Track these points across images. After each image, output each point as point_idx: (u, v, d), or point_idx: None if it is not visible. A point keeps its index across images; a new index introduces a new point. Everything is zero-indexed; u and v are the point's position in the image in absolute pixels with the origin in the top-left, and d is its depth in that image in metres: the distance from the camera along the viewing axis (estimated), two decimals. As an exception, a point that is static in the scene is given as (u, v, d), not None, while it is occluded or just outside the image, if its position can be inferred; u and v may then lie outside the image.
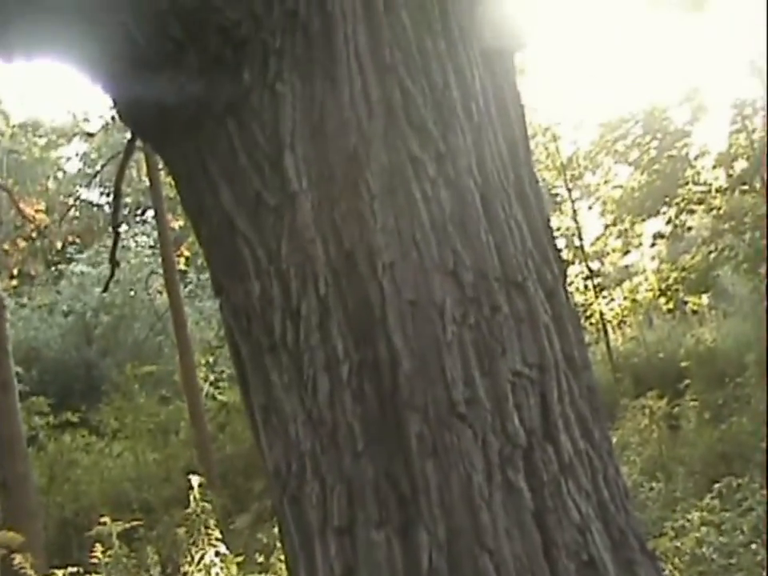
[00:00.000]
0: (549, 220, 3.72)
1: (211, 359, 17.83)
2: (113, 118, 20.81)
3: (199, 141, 3.38)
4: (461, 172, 3.31)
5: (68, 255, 24.79)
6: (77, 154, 32.70)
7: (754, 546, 6.46)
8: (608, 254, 21.08)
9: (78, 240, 24.67)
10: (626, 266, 23.21)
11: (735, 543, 6.61)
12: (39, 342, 21.08)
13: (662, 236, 19.19)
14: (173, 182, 3.76)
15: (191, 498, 10.17)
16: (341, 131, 3.23)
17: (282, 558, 4.25)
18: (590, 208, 21.75)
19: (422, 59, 3.36)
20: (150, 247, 23.24)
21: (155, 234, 19.34)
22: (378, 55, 3.31)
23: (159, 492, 12.85)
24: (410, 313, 3.11)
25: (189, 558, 9.26)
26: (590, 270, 19.98)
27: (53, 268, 25.25)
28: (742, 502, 7.70)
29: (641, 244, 21.07)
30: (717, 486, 8.29)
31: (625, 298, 19.79)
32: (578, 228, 20.77)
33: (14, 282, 21.02)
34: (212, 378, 17.24)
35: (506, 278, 3.29)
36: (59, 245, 23.65)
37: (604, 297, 20.05)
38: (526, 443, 3.12)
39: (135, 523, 10.42)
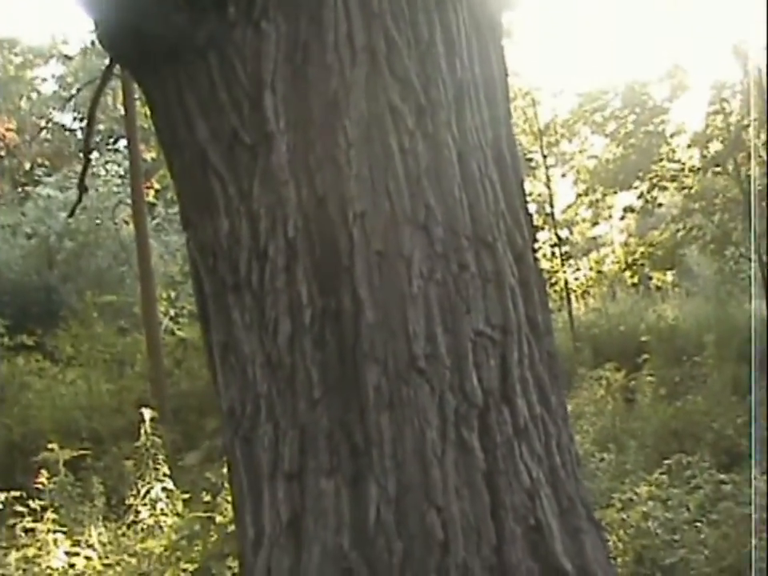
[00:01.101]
0: (523, 183, 3.71)
1: (173, 294, 17.71)
2: (92, 42, 20.51)
3: (179, 72, 3.33)
4: (439, 126, 3.28)
5: (36, 177, 24.48)
6: (53, 76, 32.23)
7: (698, 525, 6.56)
8: (577, 223, 21.17)
9: (47, 163, 24.40)
10: (594, 237, 23.32)
11: (680, 520, 6.70)
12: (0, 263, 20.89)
13: (632, 210, 19.26)
14: (148, 112, 3.70)
15: (142, 431, 10.15)
16: (322, 75, 3.19)
17: (229, 498, 4.25)
18: (563, 176, 21.79)
19: (410, 11, 3.31)
20: (120, 177, 22.97)
21: (126, 163, 19.13)
22: (366, 2, 3.26)
23: (110, 423, 12.80)
24: (378, 263, 3.10)
25: (135, 492, 9.26)
26: (559, 238, 20.06)
27: (19, 189, 24.95)
28: (691, 479, 7.80)
29: (611, 216, 21.17)
30: (667, 461, 8.38)
31: (590, 269, 19.92)
32: (550, 195, 20.81)
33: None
34: (172, 312, 17.15)
35: (476, 237, 3.28)
36: (28, 166, 23.39)
37: (570, 265, 20.16)
38: (482, 403, 3.14)
39: (83, 452, 10.39)
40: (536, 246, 3.69)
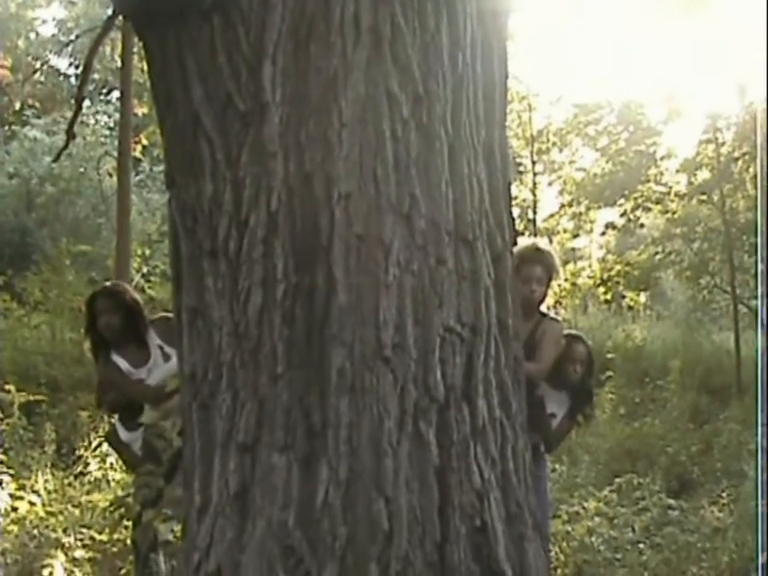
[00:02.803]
0: (510, 186, 3.71)
1: (148, 252, 17.62)
2: (98, -11, 20.36)
3: (181, 31, 3.30)
4: (434, 119, 3.28)
5: (24, 118, 24.25)
6: (54, 19, 31.91)
7: (641, 546, 6.60)
8: (558, 233, 21.19)
9: (37, 105, 24.17)
10: (573, 249, 23.38)
11: (624, 539, 6.74)
12: (-23, 198, 20.74)
13: (614, 227, 19.30)
14: (146, 68, 3.67)
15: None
16: (324, 53, 3.17)
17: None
18: (550, 184, 21.81)
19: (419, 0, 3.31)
20: (109, 129, 22.78)
21: (116, 116, 19.02)
22: (376, -15, 3.25)
23: (70, 372, 12.71)
24: (356, 247, 3.09)
25: (86, 443, 9.23)
26: (538, 245, 20.11)
27: (6, 127, 24.73)
28: (639, 501, 7.84)
29: (592, 230, 21.21)
30: (618, 480, 8.43)
31: (566, 280, 19.93)
32: (535, 201, 20.84)
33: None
34: (145, 270, 17.07)
35: (457, 233, 3.28)
36: (17, 105, 23.18)
37: (545, 274, 20.23)
38: (443, 399, 3.15)
39: (39, 398, 10.33)
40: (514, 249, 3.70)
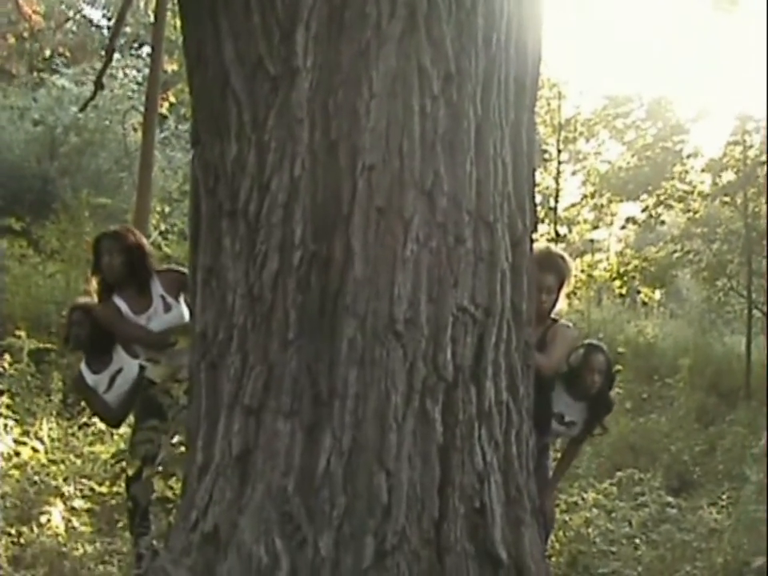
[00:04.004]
0: (534, 171, 3.69)
1: (167, 209, 17.60)
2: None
3: (217, -13, 3.30)
4: (464, 97, 3.25)
5: (53, 66, 24.20)
6: (89, -32, 31.88)
7: (637, 541, 6.58)
8: (578, 223, 21.07)
9: (67, 54, 24.10)
10: (592, 240, 23.27)
11: (620, 533, 6.71)
12: (2, 142, 20.68)
13: (634, 221, 19.17)
14: (178, 24, 3.66)
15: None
16: (359, 23, 3.15)
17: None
18: (573, 173, 21.68)
19: None
20: (137, 83, 22.71)
21: (146, 71, 18.95)
22: (415, -43, 3.22)
23: (81, 323, 12.73)
24: (376, 220, 3.08)
25: (92, 395, 9.25)
26: (557, 234, 19.98)
27: (35, 73, 24.69)
28: (639, 496, 7.81)
29: (612, 223, 21.09)
30: (619, 474, 8.41)
31: (582, 271, 19.82)
32: (557, 190, 20.72)
33: (-8, 75, 20.63)
34: (163, 227, 17.04)
35: (478, 214, 3.26)
36: (48, 53, 23.11)
37: (562, 263, 20.16)
38: (451, 378, 3.14)
39: (49, 346, 10.34)
40: (535, 236, 3.68)
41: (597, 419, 5.00)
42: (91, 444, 8.10)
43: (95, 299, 5.49)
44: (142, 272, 5.30)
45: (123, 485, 5.47)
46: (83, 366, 5.50)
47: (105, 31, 28.27)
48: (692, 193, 18.22)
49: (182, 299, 5.25)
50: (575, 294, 18.96)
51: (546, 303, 4.67)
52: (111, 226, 5.87)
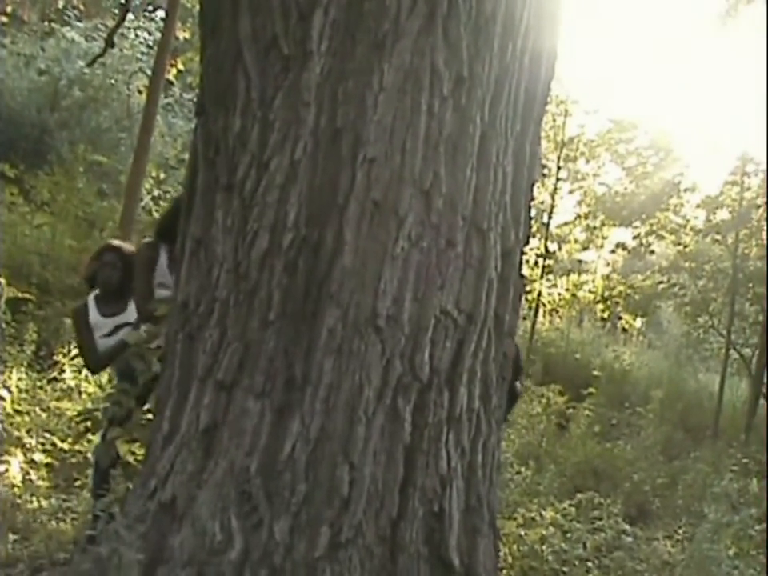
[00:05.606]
0: (534, 184, 3.69)
1: (162, 175, 17.51)
2: None
3: (239, -40, 3.28)
4: (473, 102, 3.26)
5: (65, 17, 24.06)
6: (110, -76, 31.70)
7: (589, 564, 6.59)
8: (569, 242, 21.12)
9: (81, 7, 23.97)
10: (580, 261, 23.33)
11: (573, 554, 6.71)
12: (4, 87, 20.56)
13: (624, 247, 19.23)
14: (198, -9, 3.64)
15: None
16: (378, 14, 3.14)
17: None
18: (570, 192, 21.72)
19: None
20: (147, 47, 22.61)
21: (157, 35, 18.88)
22: (441, -43, 3.22)
23: (62, 278, 12.62)
24: (371, 212, 3.08)
25: (66, 350, 9.21)
26: (547, 250, 20.03)
27: (46, 23, 24.53)
28: (596, 520, 7.82)
29: (602, 246, 21.15)
30: (579, 495, 8.42)
31: (567, 290, 19.88)
32: (552, 206, 20.75)
33: (3, 19, 20.42)
34: (156, 193, 16.97)
35: (472, 220, 3.26)
36: (61, 3, 22.95)
37: (548, 280, 20.15)
38: (426, 380, 3.14)
39: (27, 296, 10.29)
40: (525, 249, 3.69)
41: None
42: (58, 399, 8.06)
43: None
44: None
45: (90, 444, 5.43)
46: (91, 302, 5.30)
47: (121, -11, 28.15)
48: (685, 226, 18.32)
49: None
50: (557, 312, 19.01)
51: None
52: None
